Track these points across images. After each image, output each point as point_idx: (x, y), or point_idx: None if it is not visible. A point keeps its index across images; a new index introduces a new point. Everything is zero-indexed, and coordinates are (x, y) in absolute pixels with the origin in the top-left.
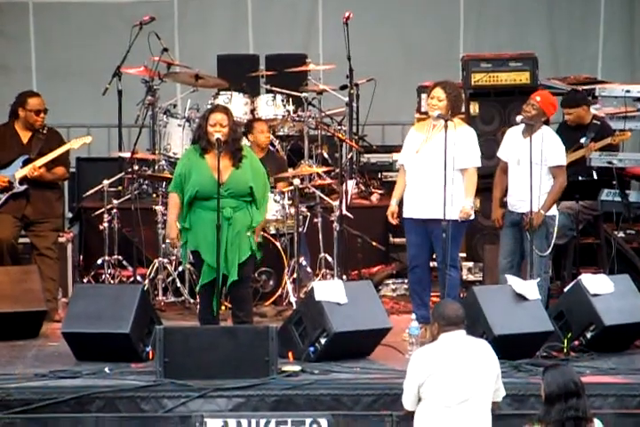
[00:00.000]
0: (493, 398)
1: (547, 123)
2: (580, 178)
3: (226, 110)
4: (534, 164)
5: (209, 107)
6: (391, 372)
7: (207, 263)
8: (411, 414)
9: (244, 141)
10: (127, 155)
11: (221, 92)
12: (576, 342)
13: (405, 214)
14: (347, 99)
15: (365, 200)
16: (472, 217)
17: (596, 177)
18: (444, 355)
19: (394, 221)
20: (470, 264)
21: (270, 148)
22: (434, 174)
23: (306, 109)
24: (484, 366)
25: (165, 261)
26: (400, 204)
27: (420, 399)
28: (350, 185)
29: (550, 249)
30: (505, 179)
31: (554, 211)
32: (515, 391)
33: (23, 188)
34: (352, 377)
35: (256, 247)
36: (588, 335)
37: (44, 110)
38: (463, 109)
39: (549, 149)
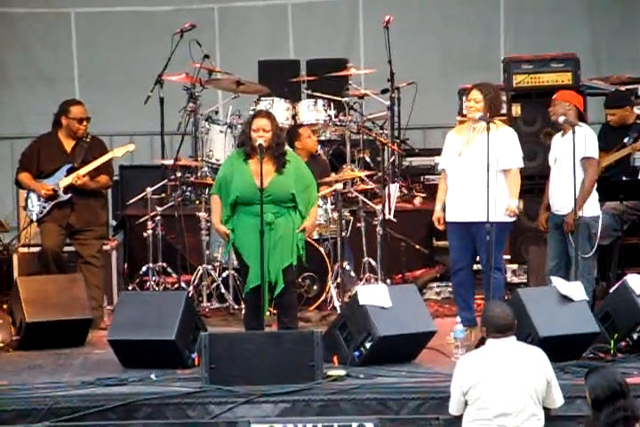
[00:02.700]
0: (547, 405)
1: (583, 120)
2: (623, 178)
3: (269, 115)
4: (571, 162)
5: (251, 113)
6: (437, 375)
7: (252, 269)
8: (458, 418)
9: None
10: (170, 162)
11: (263, 98)
12: (623, 343)
13: (449, 218)
14: (388, 103)
15: (408, 204)
16: (512, 219)
17: None
18: (491, 362)
19: (440, 227)
20: (515, 266)
21: (313, 153)
22: (476, 177)
23: (347, 114)
24: (531, 374)
25: (209, 267)
26: (444, 208)
27: (466, 404)
28: (394, 189)
29: (594, 251)
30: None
31: (596, 211)
32: (562, 393)
33: (67, 196)
34: (398, 381)
35: (302, 251)
36: (635, 336)
37: (87, 119)
38: (505, 111)
39: (580, 143)
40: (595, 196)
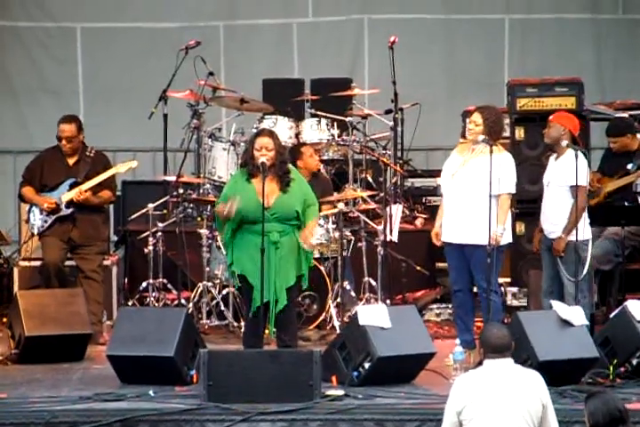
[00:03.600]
0: None
1: (587, 147)
2: (625, 203)
3: (272, 134)
4: (558, 186)
5: (254, 131)
6: (435, 397)
7: (257, 288)
8: None
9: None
10: (172, 178)
11: (266, 116)
12: (622, 369)
13: (444, 238)
14: (391, 123)
15: (410, 224)
16: (505, 242)
17: None
18: (486, 383)
19: (437, 243)
20: (515, 289)
21: (315, 171)
22: (468, 199)
23: (350, 134)
24: (527, 397)
25: (210, 284)
26: None
27: (461, 425)
28: (396, 210)
29: (584, 274)
30: None
31: (587, 235)
32: (560, 418)
33: (70, 211)
34: (396, 402)
35: (306, 267)
36: (634, 362)
37: (68, 138)
38: (508, 134)
39: (571, 170)
40: (586, 220)
